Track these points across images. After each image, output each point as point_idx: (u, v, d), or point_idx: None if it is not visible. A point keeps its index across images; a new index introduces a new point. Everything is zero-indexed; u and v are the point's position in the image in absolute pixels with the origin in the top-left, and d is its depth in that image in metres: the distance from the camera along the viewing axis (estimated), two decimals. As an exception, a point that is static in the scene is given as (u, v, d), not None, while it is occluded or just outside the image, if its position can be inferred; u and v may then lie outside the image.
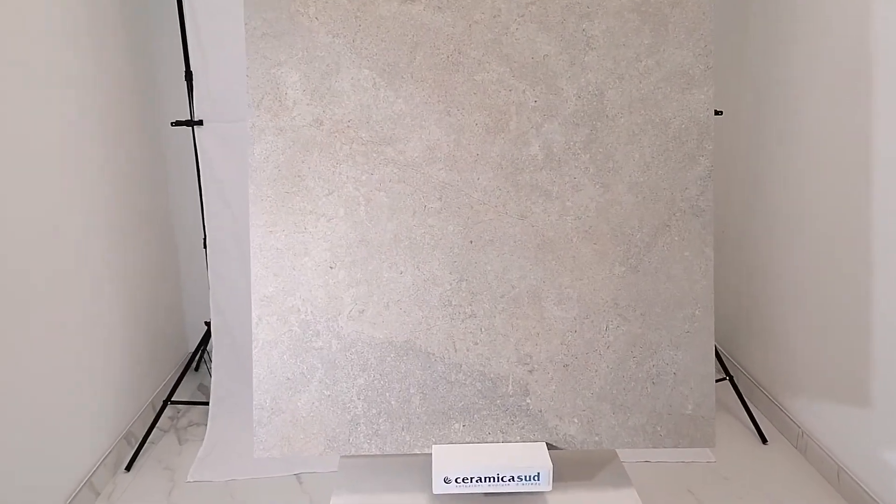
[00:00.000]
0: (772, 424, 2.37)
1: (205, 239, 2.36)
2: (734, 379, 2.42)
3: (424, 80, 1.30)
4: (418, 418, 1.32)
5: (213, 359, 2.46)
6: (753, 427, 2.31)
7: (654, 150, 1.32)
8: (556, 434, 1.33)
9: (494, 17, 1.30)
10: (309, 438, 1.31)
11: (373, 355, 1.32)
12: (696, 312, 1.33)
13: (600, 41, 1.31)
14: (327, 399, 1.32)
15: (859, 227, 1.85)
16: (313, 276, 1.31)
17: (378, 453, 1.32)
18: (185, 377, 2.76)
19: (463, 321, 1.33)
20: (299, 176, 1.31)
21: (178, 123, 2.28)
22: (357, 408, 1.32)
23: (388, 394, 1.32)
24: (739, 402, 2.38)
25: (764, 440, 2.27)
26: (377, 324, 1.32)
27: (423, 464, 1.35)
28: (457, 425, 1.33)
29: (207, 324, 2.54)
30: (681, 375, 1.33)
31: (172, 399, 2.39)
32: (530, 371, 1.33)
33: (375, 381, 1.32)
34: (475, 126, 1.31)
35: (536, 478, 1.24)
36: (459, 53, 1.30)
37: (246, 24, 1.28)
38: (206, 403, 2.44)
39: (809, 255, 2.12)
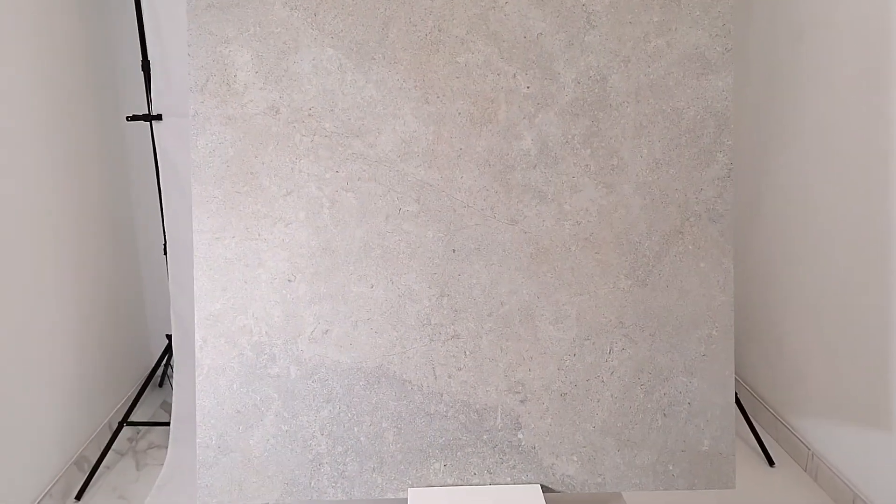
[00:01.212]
0: (779, 445, 2.21)
1: (165, 244, 2.16)
2: (738, 396, 2.26)
3: (398, 61, 1.12)
4: (392, 457, 1.13)
5: (174, 376, 2.25)
6: (760, 448, 2.15)
7: (664, 145, 1.14)
8: (553, 474, 1.15)
9: (481, -12, 1.12)
10: (263, 482, 1.12)
11: (339, 383, 1.13)
12: (714, 333, 1.15)
13: (603, 18, 1.13)
14: (285, 435, 1.12)
15: (877, 232, 1.70)
16: (268, 291, 1.12)
17: (345, 498, 1.13)
18: (148, 394, 2.54)
19: (444, 343, 1.14)
20: (252, 173, 1.11)
21: (134, 118, 2.08)
22: (320, 445, 1.13)
23: (356, 429, 1.13)
24: (744, 421, 2.21)
25: (771, 462, 2.11)
26: (344, 346, 1.13)
27: (398, 509, 1.16)
28: (437, 465, 1.14)
29: (169, 337, 2.33)
30: (696, 406, 1.15)
31: (130, 420, 2.19)
32: (522, 401, 1.15)
33: (342, 414, 1.13)
34: (458, 116, 1.13)
35: (530, 528, 1.06)
36: (439, 30, 1.12)
37: (188, -6, 1.09)
38: (167, 424, 2.23)
39: (821, 263, 1.96)
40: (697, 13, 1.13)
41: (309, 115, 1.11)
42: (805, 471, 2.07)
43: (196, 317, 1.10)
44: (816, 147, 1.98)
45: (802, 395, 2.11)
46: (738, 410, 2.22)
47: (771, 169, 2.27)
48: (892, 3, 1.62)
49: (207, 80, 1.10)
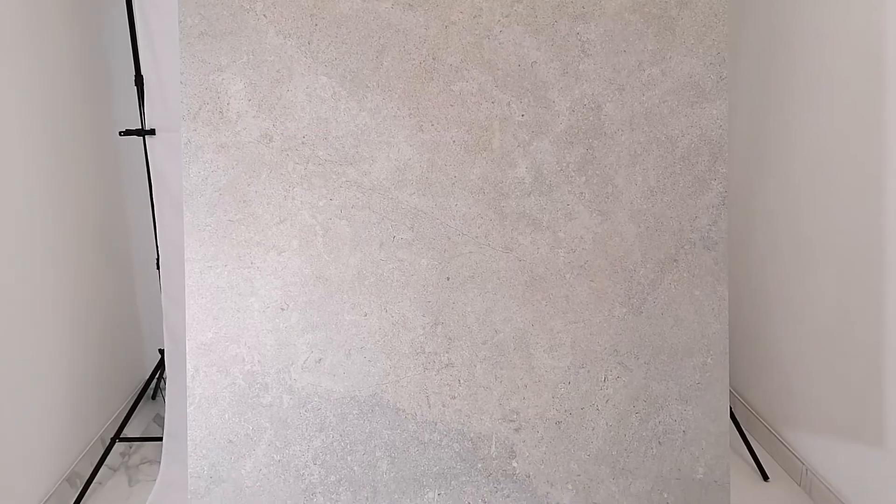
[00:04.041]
0: (773, 459, 2.21)
1: (157, 259, 2.15)
2: (732, 409, 2.26)
3: (393, 89, 1.11)
4: (385, 486, 1.13)
5: (166, 391, 2.24)
6: (754, 462, 2.14)
7: (659, 173, 1.14)
8: (548, 503, 1.14)
9: (475, 17, 1.11)
10: (255, 512, 1.11)
11: (332, 412, 1.12)
12: (708, 361, 1.15)
13: (597, 47, 1.13)
14: (277, 465, 1.12)
15: (868, 250, 1.69)
16: (261, 320, 1.11)
17: (338, 528, 1.12)
18: (141, 407, 2.52)
19: (438, 371, 1.14)
20: (245, 201, 1.11)
21: (127, 133, 2.07)
22: (313, 475, 1.12)
23: (349, 458, 1.13)
24: (738, 434, 2.21)
25: (765, 477, 2.10)
26: (337, 375, 1.12)
27: (392, 538, 1.16)
28: (431, 494, 1.13)
29: (161, 351, 2.32)
30: (690, 434, 1.15)
31: (122, 435, 2.17)
32: (517, 429, 1.14)
33: (335, 443, 1.13)
34: (452, 144, 1.12)
35: (524, 559, 1.06)
36: (434, 59, 1.11)
37: (180, 22, 1.08)
38: (160, 439, 2.22)
39: (815, 275, 1.96)
40: (692, 42, 1.13)
41: (302, 143, 1.11)
42: (799, 485, 2.07)
43: (188, 346, 1.09)
44: (810, 157, 1.98)
45: (796, 409, 2.11)
46: (733, 424, 2.22)
47: (763, 178, 2.27)
48: (885, 31, 1.62)
49: (200, 108, 1.09)
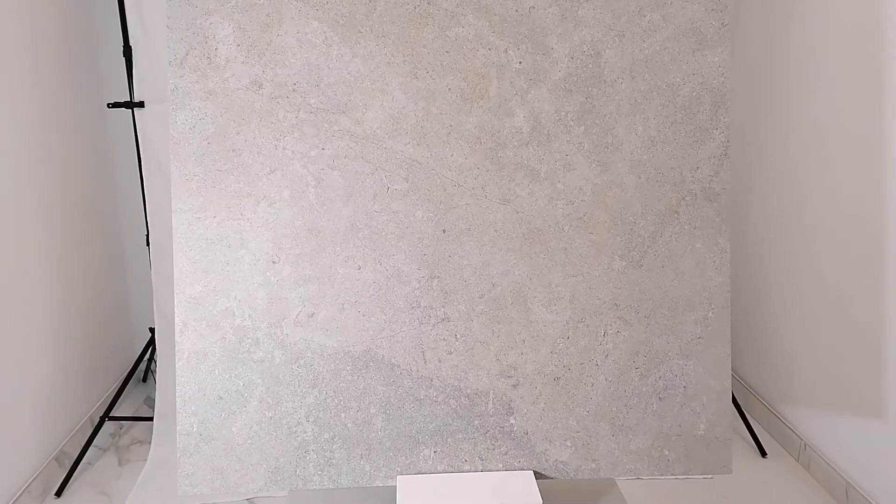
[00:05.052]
0: (771, 436, 2.19)
1: (147, 235, 2.11)
2: (730, 386, 2.24)
3: (386, 35, 1.08)
4: (380, 444, 1.10)
5: (157, 370, 2.20)
6: (752, 439, 2.13)
7: (659, 123, 1.11)
8: (546, 460, 1.12)
9: (471, -40, 1.09)
10: (247, 470, 1.08)
11: (325, 368, 1.09)
12: (710, 315, 1.12)
13: (597, -8, 1.10)
14: (269, 422, 1.08)
15: (868, 221, 1.68)
16: (252, 273, 1.08)
17: (332, 486, 1.09)
18: (132, 389, 2.49)
19: (434, 326, 1.11)
20: (234, 150, 1.07)
21: (115, 105, 2.03)
22: (306, 432, 1.09)
23: (343, 415, 1.09)
24: (736, 412, 2.20)
25: (763, 453, 2.09)
26: (330, 330, 1.09)
27: (387, 498, 1.13)
28: (427, 451, 1.11)
29: (152, 330, 2.28)
30: (691, 390, 1.12)
31: (112, 415, 2.13)
32: (514, 385, 1.11)
33: (328, 400, 1.09)
34: (448, 92, 1.09)
35: (522, 515, 1.03)
36: (429, 3, 1.08)
37: (167, -36, 1.04)
38: (150, 419, 2.18)
39: (812, 251, 1.94)
40: (693, -13, 1.10)
41: (293, 90, 1.07)
42: (797, 461, 2.06)
43: (176, 300, 1.06)
44: (809, 133, 1.96)
45: (794, 385, 2.09)
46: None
47: (760, 154, 2.25)
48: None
49: (187, 54, 1.06)
